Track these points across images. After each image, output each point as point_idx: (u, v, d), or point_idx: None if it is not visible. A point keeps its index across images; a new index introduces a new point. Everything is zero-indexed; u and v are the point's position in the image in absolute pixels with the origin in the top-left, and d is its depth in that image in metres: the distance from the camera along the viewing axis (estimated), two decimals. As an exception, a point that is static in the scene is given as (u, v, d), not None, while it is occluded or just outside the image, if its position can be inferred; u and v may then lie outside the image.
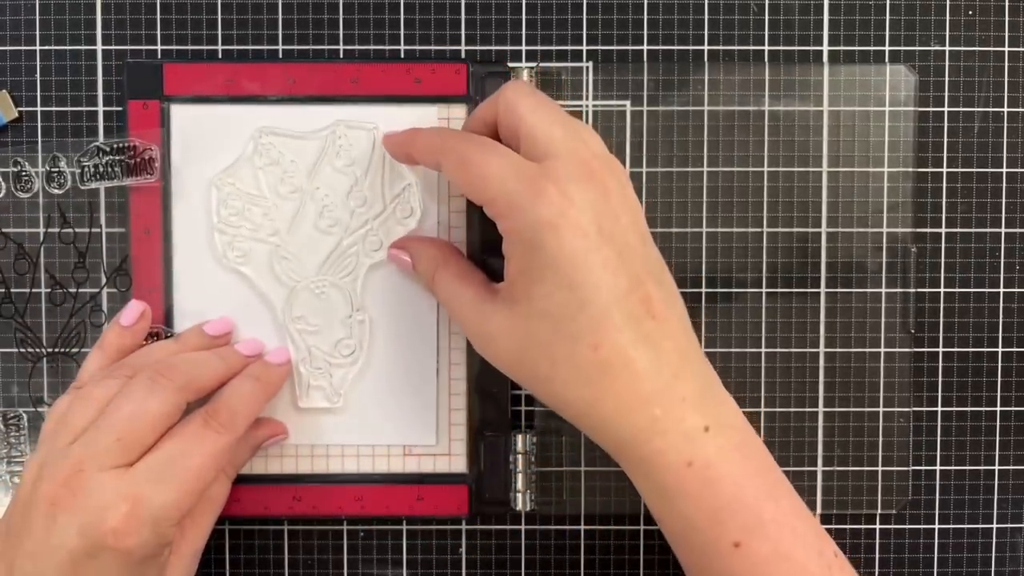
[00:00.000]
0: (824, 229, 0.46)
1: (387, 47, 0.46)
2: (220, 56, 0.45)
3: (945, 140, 0.46)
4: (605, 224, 0.36)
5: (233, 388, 0.42)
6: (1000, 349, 0.46)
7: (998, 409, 0.46)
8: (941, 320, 0.46)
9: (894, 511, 0.46)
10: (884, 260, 0.46)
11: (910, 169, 0.45)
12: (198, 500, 0.39)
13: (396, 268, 0.45)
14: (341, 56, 0.46)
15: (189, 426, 0.39)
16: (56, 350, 0.46)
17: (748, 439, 0.38)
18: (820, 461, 0.46)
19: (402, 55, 0.46)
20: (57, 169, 0.45)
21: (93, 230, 0.45)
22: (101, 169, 0.45)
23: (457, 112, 0.45)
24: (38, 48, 0.45)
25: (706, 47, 0.46)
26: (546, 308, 0.36)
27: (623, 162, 0.45)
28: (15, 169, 0.45)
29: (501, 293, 0.38)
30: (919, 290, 0.46)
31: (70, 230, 0.45)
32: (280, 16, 0.46)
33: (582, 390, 0.36)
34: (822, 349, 0.46)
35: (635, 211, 0.38)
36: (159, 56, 0.45)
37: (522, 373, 0.38)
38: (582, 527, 0.47)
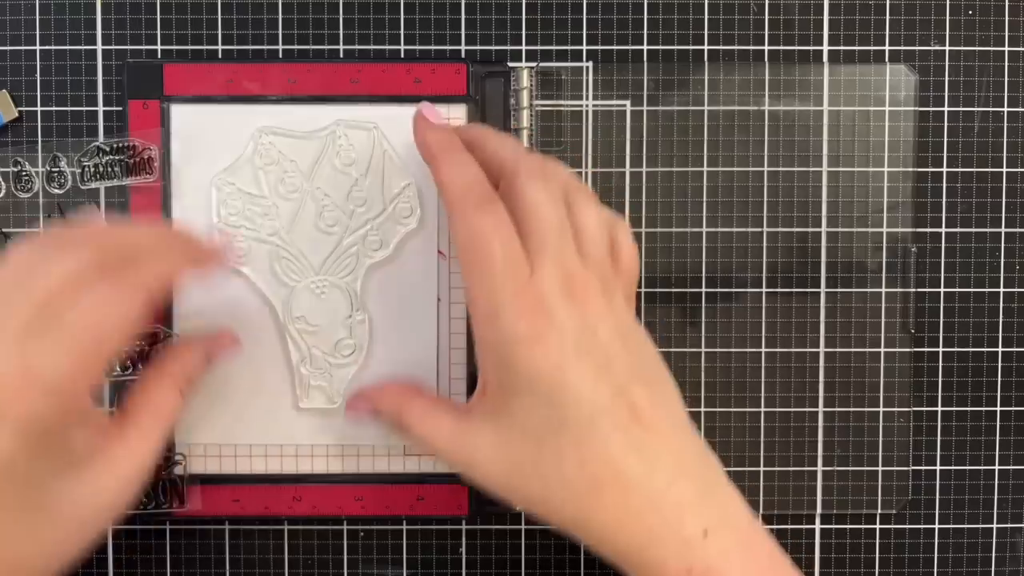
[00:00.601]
0: (824, 229, 0.46)
1: (387, 47, 0.46)
2: (220, 56, 0.45)
3: (945, 140, 0.46)
4: (583, 340, 0.35)
5: (153, 252, 0.38)
6: (1000, 349, 0.46)
7: (998, 409, 0.47)
8: (941, 320, 0.46)
9: (894, 511, 0.46)
10: (884, 260, 0.46)
11: (910, 169, 0.45)
12: (99, 367, 0.36)
13: (398, 273, 0.45)
14: (341, 56, 0.46)
15: (92, 286, 0.35)
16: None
17: (751, 535, 0.37)
18: (820, 461, 0.46)
19: (402, 55, 0.46)
20: (57, 169, 0.45)
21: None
22: (101, 169, 0.45)
23: (457, 112, 0.45)
24: (38, 48, 0.45)
25: (706, 47, 0.46)
26: (527, 424, 0.36)
27: (623, 162, 0.45)
28: (15, 169, 0.45)
29: (477, 410, 0.38)
30: (919, 290, 0.46)
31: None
32: (280, 16, 0.46)
33: (575, 505, 0.36)
34: (822, 349, 0.46)
35: (617, 318, 0.37)
36: (159, 56, 0.45)
37: (514, 494, 0.37)
38: (582, 527, 0.47)
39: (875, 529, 0.47)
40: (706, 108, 0.45)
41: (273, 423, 0.45)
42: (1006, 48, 0.46)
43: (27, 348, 0.34)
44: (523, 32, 0.46)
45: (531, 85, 0.45)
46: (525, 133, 0.45)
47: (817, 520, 0.46)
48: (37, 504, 0.35)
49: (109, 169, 0.44)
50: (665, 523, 0.35)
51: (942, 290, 0.46)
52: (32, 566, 0.36)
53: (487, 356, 0.36)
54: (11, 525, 0.35)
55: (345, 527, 0.47)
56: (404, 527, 0.47)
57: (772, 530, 0.46)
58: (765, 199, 0.46)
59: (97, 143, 0.45)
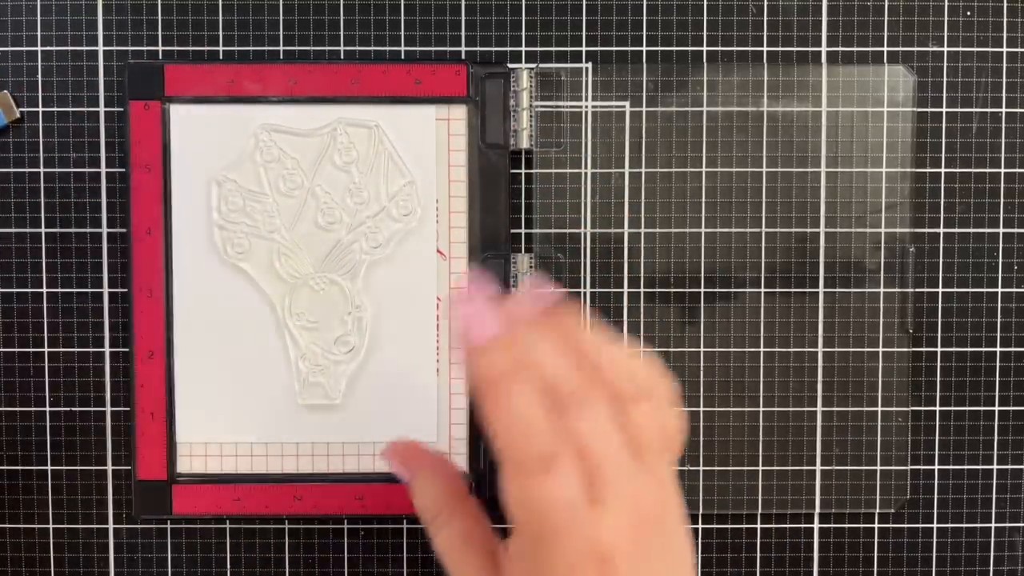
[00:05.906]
0: (823, 229, 0.46)
1: (387, 48, 0.46)
2: (221, 57, 0.46)
3: (943, 140, 0.46)
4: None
5: None
6: (998, 349, 0.47)
7: (996, 408, 0.47)
8: (939, 320, 0.46)
9: (893, 510, 0.46)
10: (883, 260, 0.46)
11: (908, 169, 0.46)
12: None
13: (398, 271, 0.45)
14: (342, 57, 0.46)
15: None
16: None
17: None
18: (819, 460, 0.46)
19: (402, 56, 0.46)
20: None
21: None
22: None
23: (457, 113, 0.45)
24: (39, 49, 0.46)
25: (705, 48, 0.46)
26: None
27: (622, 163, 0.46)
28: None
29: (505, 571, 0.34)
30: (917, 290, 0.46)
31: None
32: (281, 17, 0.46)
33: None
34: (821, 349, 0.46)
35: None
36: (160, 57, 0.46)
37: None
38: (582, 526, 0.47)
39: (874, 528, 0.47)
40: (705, 109, 0.46)
41: (272, 419, 0.46)
42: (1004, 49, 0.46)
43: None
44: (523, 33, 0.46)
45: (531, 86, 0.45)
46: (525, 134, 0.45)
47: (816, 519, 0.47)
48: None
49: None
50: None
51: (940, 290, 0.46)
52: None
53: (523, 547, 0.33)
54: None
55: (346, 526, 0.47)
56: (405, 526, 0.47)
57: (771, 529, 0.46)
58: (764, 200, 0.46)
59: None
